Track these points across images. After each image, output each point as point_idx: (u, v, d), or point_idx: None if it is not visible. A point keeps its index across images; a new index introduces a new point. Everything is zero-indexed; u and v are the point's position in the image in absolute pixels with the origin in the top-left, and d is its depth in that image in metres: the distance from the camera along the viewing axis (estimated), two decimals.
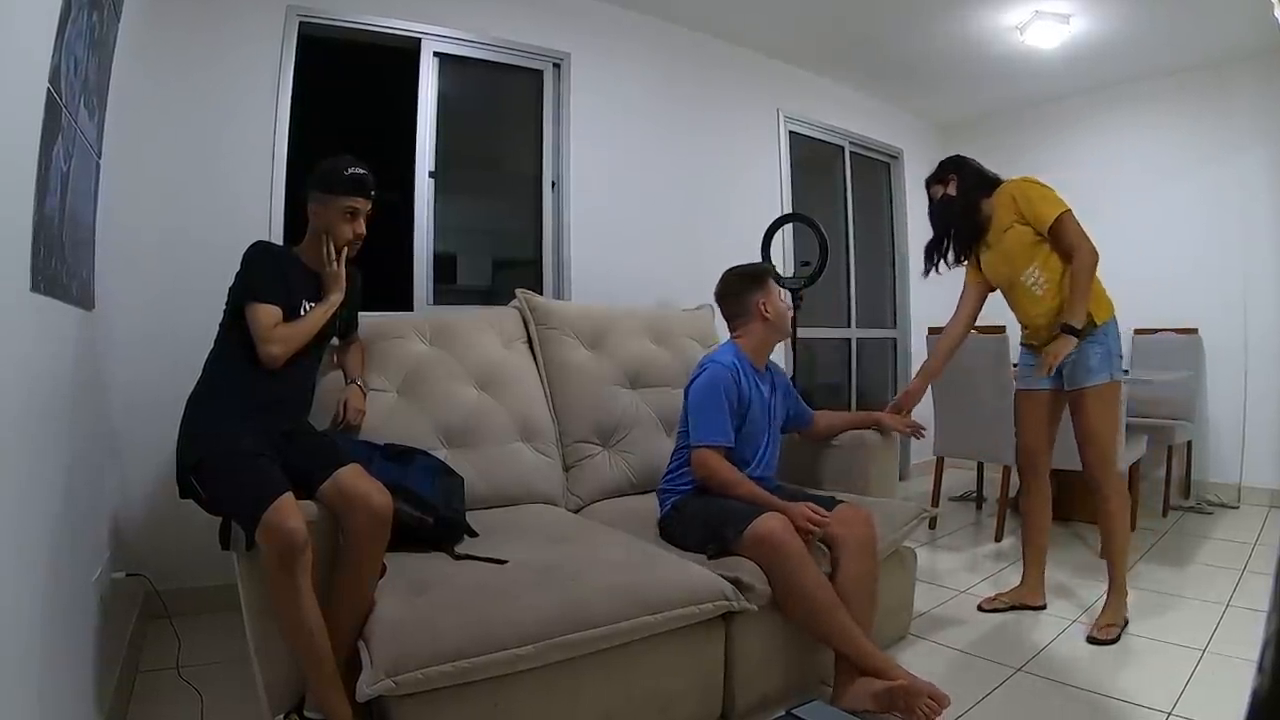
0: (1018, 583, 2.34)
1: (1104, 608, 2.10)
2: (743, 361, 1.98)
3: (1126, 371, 2.08)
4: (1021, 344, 2.33)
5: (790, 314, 2.12)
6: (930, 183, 2.38)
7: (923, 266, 2.42)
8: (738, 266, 2.13)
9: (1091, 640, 2.01)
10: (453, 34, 2.92)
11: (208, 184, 2.37)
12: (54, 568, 1.21)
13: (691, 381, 1.97)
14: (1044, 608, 2.27)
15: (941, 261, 2.38)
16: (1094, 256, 2.04)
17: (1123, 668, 1.87)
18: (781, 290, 2.15)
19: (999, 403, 3.19)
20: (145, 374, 2.14)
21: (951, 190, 2.30)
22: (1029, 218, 2.12)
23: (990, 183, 2.26)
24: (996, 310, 3.74)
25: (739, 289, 2.05)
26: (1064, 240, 2.07)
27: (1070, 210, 2.09)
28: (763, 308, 2.01)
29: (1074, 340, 2.02)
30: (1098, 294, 2.10)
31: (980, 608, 2.28)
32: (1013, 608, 2.27)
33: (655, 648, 1.49)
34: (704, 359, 2.03)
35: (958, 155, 2.36)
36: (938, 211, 2.35)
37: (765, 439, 2.00)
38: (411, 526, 1.59)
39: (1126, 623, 2.08)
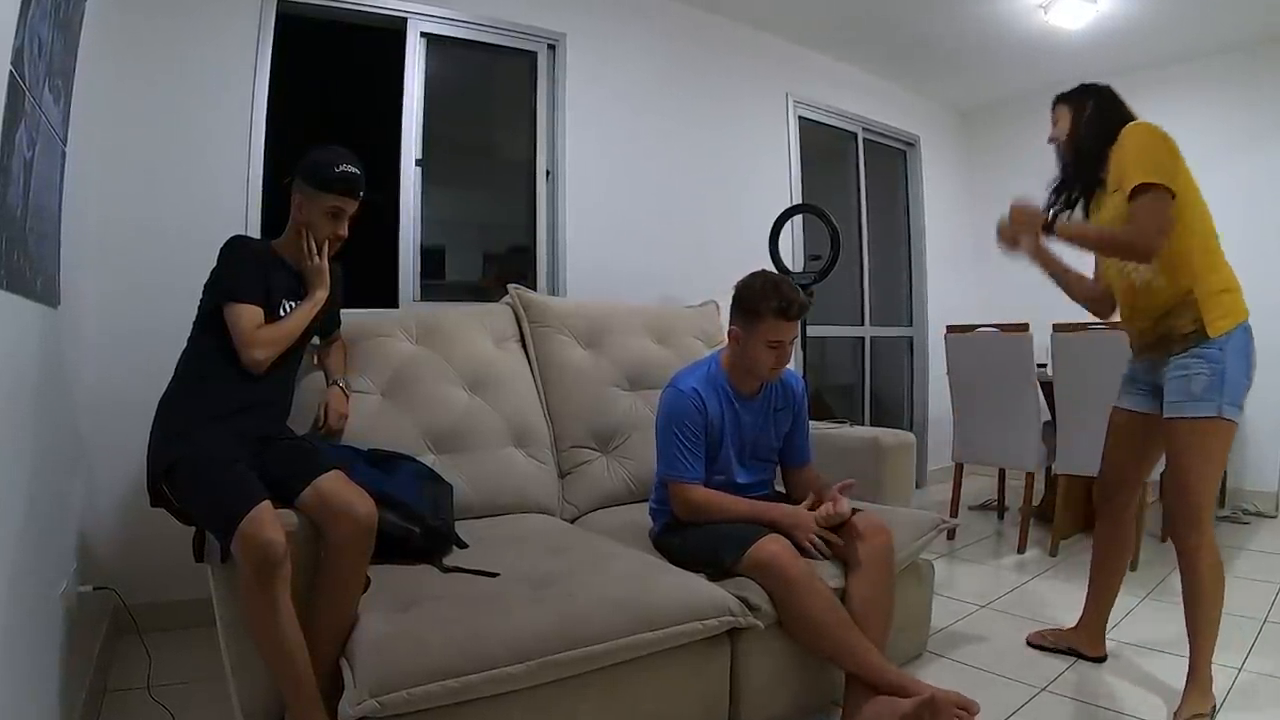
0: (1070, 623, 2.10)
1: (1184, 698, 1.71)
2: (717, 381, 1.89)
3: (1240, 408, 1.69)
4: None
5: (770, 363, 1.83)
6: (1056, 103, 1.99)
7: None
8: (755, 278, 1.86)
9: None
10: (441, 13, 2.92)
11: (181, 172, 2.37)
12: (16, 580, 1.21)
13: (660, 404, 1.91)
14: (1103, 659, 2.01)
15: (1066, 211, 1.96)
16: (1146, 243, 1.65)
17: (1153, 688, 1.87)
18: (784, 339, 1.82)
19: (1021, 405, 3.19)
20: (114, 374, 2.14)
21: (1067, 125, 1.92)
22: (1119, 176, 1.74)
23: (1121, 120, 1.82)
24: (1018, 307, 3.73)
25: (734, 302, 1.87)
26: (1132, 218, 1.67)
27: (1166, 188, 1.64)
28: (734, 336, 1.86)
29: (1035, 227, 1.83)
30: (1222, 292, 1.72)
31: (1029, 642, 2.13)
32: (1066, 650, 2.05)
33: (657, 666, 1.49)
34: (673, 377, 1.94)
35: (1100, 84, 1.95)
36: (1064, 147, 1.95)
37: (746, 460, 1.94)
38: (397, 537, 1.59)
39: (1215, 710, 1.71)
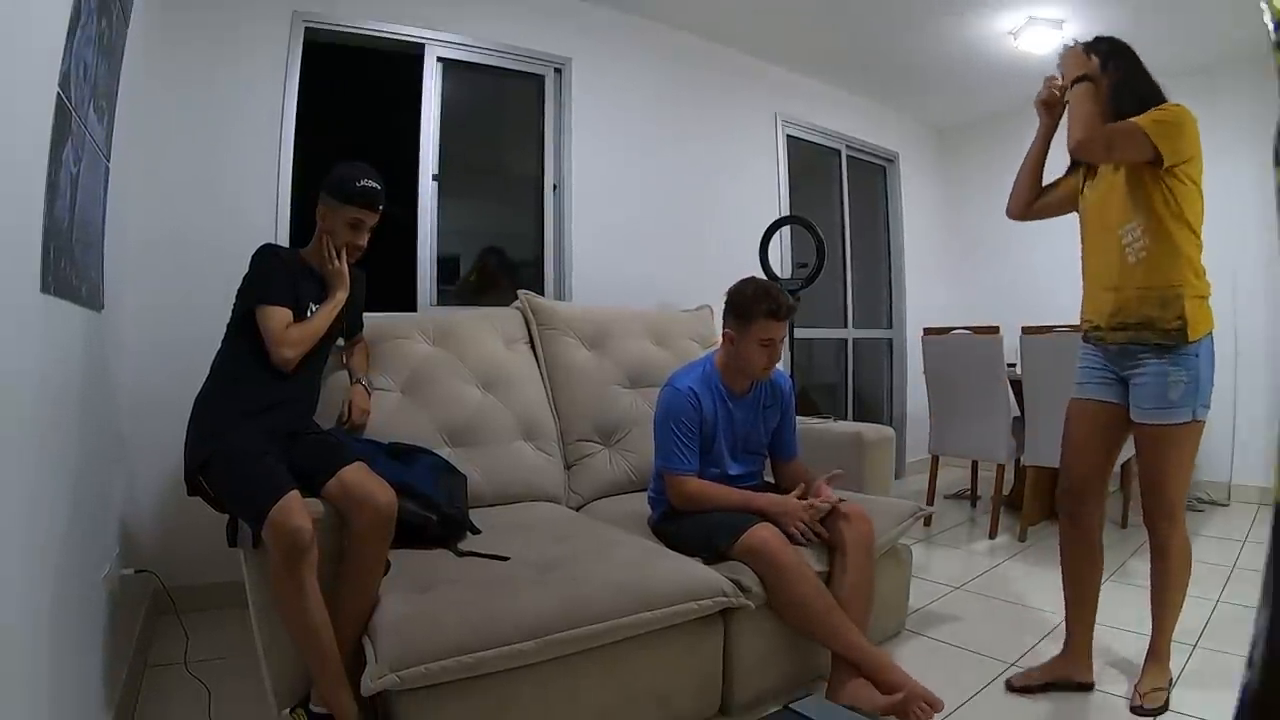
0: (1058, 653, 1.79)
1: (1144, 673, 1.68)
2: (712, 380, 1.89)
3: (1207, 407, 1.62)
4: (1084, 338, 1.79)
5: (763, 361, 1.83)
6: (1066, 54, 1.77)
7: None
8: (746, 284, 1.86)
9: (1136, 710, 1.61)
10: (456, 39, 2.92)
11: (215, 187, 2.37)
12: (63, 565, 1.21)
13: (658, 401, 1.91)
14: (1092, 686, 1.74)
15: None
16: (1098, 143, 1.58)
17: (1114, 664, 1.87)
18: (775, 338, 1.82)
19: (992, 401, 3.19)
20: (154, 374, 2.14)
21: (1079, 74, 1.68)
22: (1162, 150, 1.54)
23: (1150, 98, 1.65)
24: (989, 311, 3.74)
25: (727, 306, 1.88)
26: (1120, 124, 1.57)
27: (1156, 148, 1.52)
28: (728, 338, 1.86)
29: (1087, 88, 1.60)
30: (1204, 299, 1.60)
31: (1010, 685, 1.75)
32: (1050, 685, 1.73)
33: (655, 644, 1.49)
34: (670, 376, 1.95)
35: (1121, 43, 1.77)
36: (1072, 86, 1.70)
37: (738, 454, 1.94)
38: (415, 524, 1.59)
39: (1172, 683, 1.69)
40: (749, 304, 1.81)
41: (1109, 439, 1.76)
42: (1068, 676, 1.75)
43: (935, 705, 1.49)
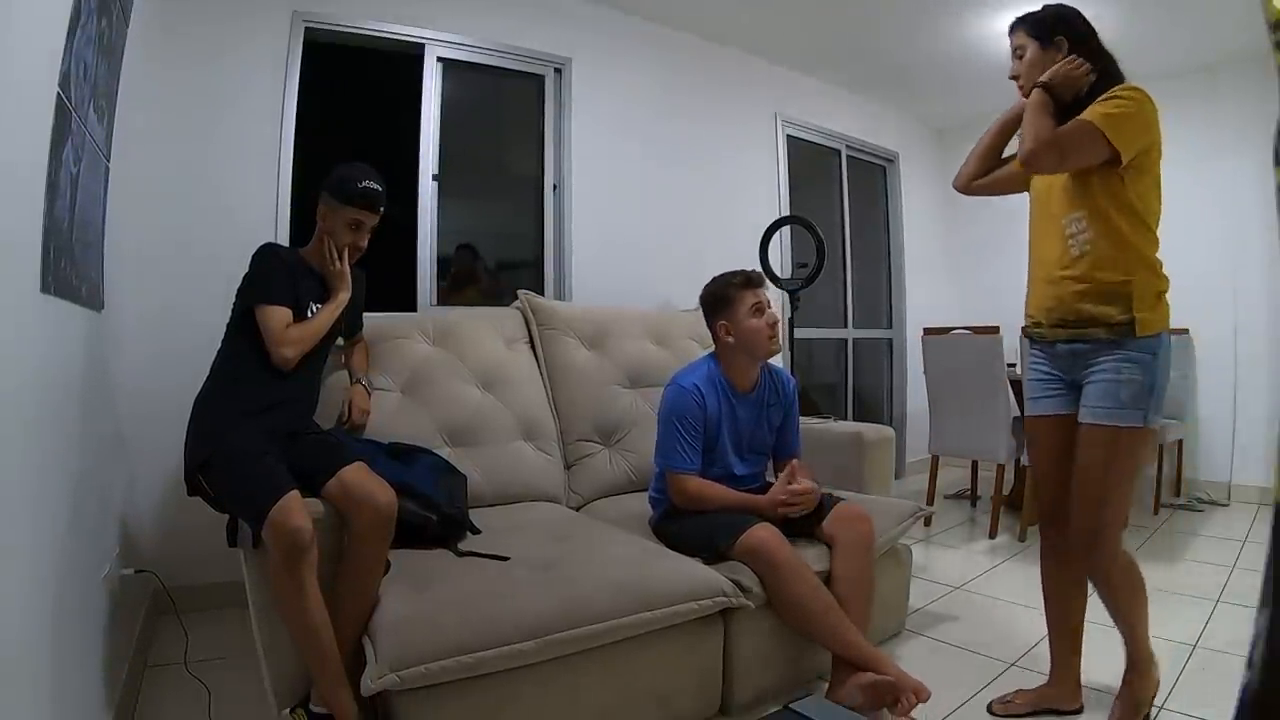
0: (1043, 683, 1.67)
1: (1128, 683, 1.55)
2: (715, 379, 1.89)
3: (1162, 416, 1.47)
4: (1025, 336, 1.66)
5: (765, 329, 1.84)
6: (1014, 29, 1.65)
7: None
8: (711, 281, 1.93)
9: None
10: (456, 39, 2.92)
11: (215, 187, 2.37)
12: (64, 564, 1.21)
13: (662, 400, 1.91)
14: (1080, 711, 1.63)
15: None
16: (1042, 150, 1.41)
17: (1115, 663, 1.87)
18: (760, 300, 1.86)
19: (992, 401, 3.19)
20: (154, 374, 2.14)
21: (1038, 66, 1.54)
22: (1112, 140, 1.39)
23: (1113, 76, 1.50)
24: (989, 310, 3.74)
25: (705, 311, 1.93)
26: (1066, 126, 1.43)
27: (1109, 142, 1.37)
28: (723, 331, 1.87)
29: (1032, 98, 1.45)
30: (1160, 294, 1.47)
31: (991, 710, 1.64)
32: (1035, 713, 1.62)
33: (655, 643, 1.49)
34: (674, 375, 1.94)
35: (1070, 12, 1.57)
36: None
37: (743, 453, 1.94)
38: (415, 524, 1.59)
39: (1157, 688, 1.59)
40: (722, 289, 1.89)
41: (1073, 455, 1.54)
42: (1054, 706, 1.62)
43: (920, 694, 1.49)
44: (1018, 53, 1.61)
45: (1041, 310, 1.57)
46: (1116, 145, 1.38)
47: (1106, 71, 1.50)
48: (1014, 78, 1.63)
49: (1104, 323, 1.46)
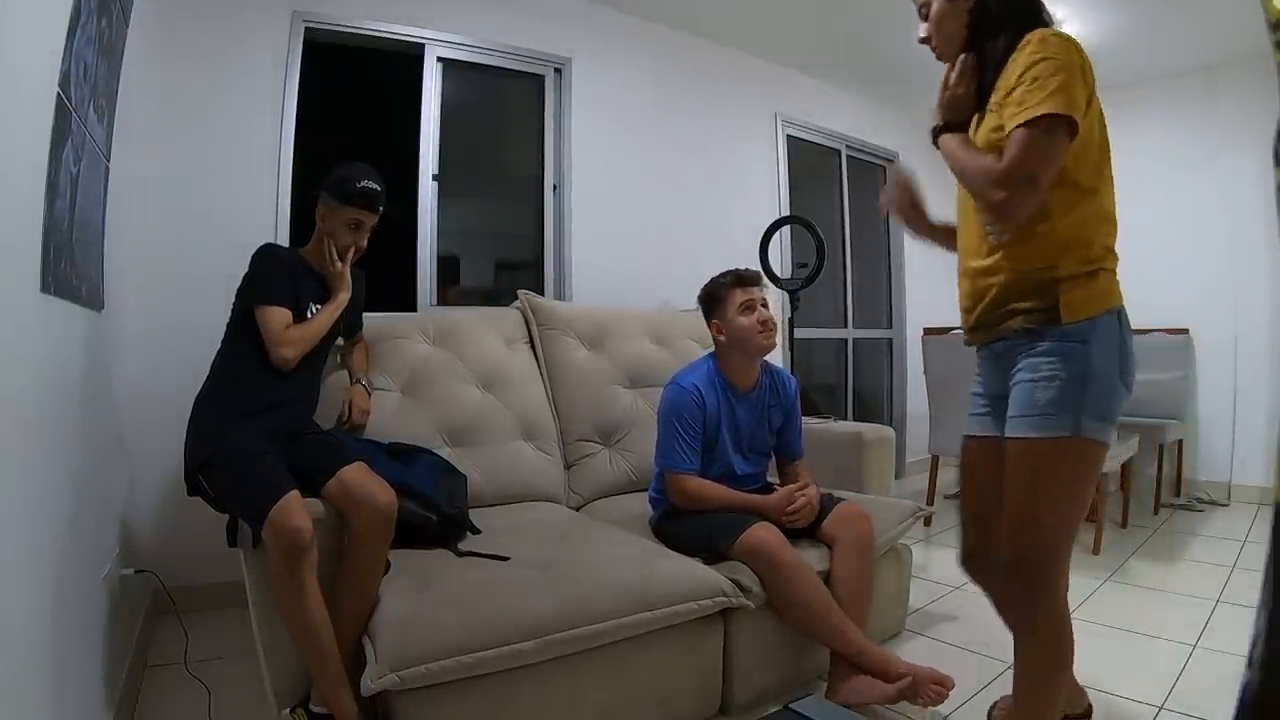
0: None
1: None
2: (715, 379, 1.89)
3: (1112, 423, 1.18)
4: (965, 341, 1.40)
5: (755, 326, 1.83)
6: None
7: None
8: (708, 282, 1.96)
9: None
10: (456, 39, 2.92)
11: (215, 187, 2.37)
12: (63, 564, 1.21)
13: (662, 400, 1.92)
14: (1089, 714, 1.48)
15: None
16: (1002, 190, 1.12)
17: (1115, 663, 1.87)
18: (754, 298, 1.86)
19: None
20: (154, 374, 2.14)
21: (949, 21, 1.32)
22: (1007, 87, 1.17)
23: (1028, 20, 1.24)
24: None
25: (703, 312, 1.96)
26: (1008, 152, 1.13)
27: (1068, 119, 1.11)
28: (716, 330, 1.89)
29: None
30: (1095, 271, 1.18)
31: (991, 716, 1.54)
32: None
33: (655, 644, 1.49)
34: (674, 375, 1.95)
35: None
36: (943, 50, 1.37)
37: (744, 452, 1.94)
38: (415, 524, 1.59)
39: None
40: (714, 289, 1.93)
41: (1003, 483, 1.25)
42: (1064, 710, 1.41)
43: (945, 684, 1.49)
44: (922, 11, 1.37)
45: (961, 311, 1.33)
46: (1078, 118, 1.12)
47: (1018, 12, 1.25)
48: (924, 40, 1.38)
49: (1021, 313, 1.19)
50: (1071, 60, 1.14)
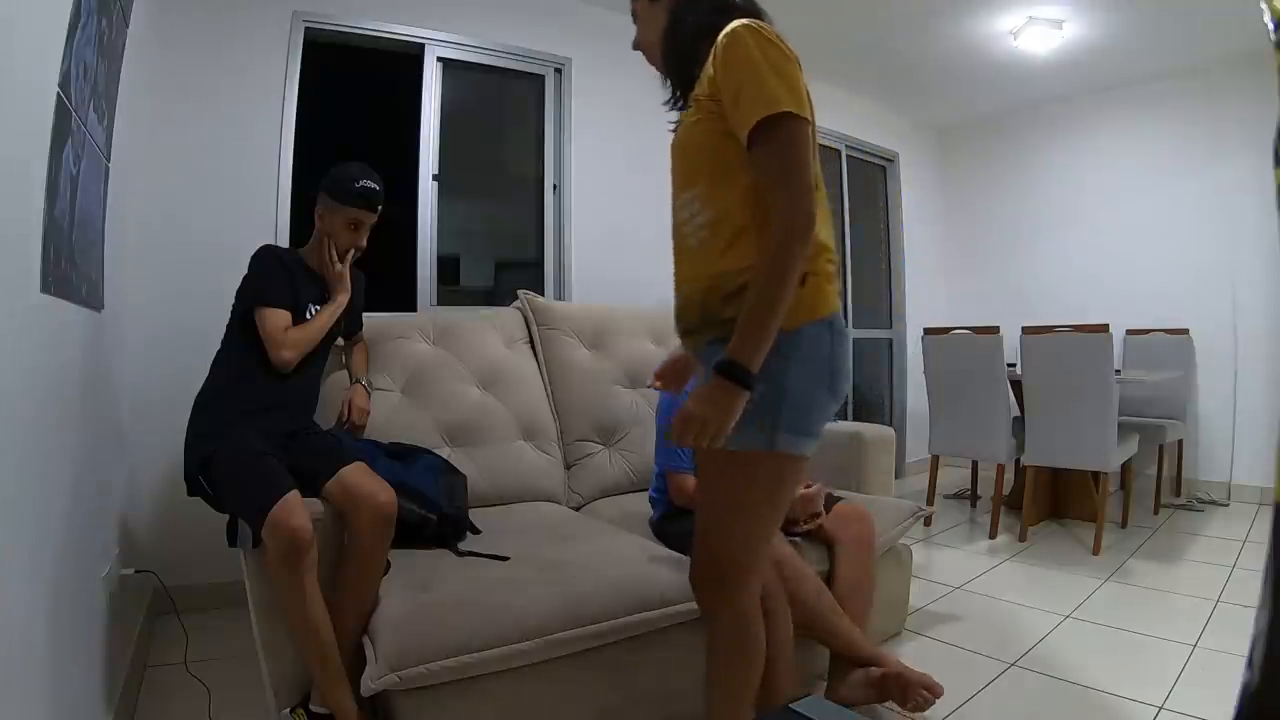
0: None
1: None
2: None
3: (814, 435, 1.15)
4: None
5: None
6: None
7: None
8: None
9: None
10: (456, 39, 2.92)
11: (215, 187, 2.37)
12: (63, 564, 1.21)
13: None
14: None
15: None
16: (808, 222, 1.01)
17: (1115, 663, 1.87)
18: None
19: (992, 401, 3.19)
20: (153, 374, 2.14)
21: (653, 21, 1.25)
22: (723, 97, 1.07)
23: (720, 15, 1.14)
24: (990, 310, 3.73)
25: None
26: (767, 167, 1.04)
27: (802, 117, 1.05)
28: None
29: (735, 397, 1.00)
30: (805, 275, 1.05)
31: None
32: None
33: (655, 644, 1.49)
34: None
35: None
36: (650, 51, 1.32)
37: None
38: (415, 524, 1.59)
39: None
40: None
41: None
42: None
43: (935, 690, 1.49)
44: (634, 18, 1.30)
45: (676, 319, 1.23)
46: (806, 112, 1.06)
47: (719, 6, 1.16)
48: (637, 47, 1.31)
49: (715, 319, 1.10)
50: (777, 49, 1.09)
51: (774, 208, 1.03)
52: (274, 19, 2.49)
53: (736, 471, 1.09)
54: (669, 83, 1.28)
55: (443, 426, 2.07)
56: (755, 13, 1.18)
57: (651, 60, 1.30)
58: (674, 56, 1.24)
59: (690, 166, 1.15)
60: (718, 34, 1.10)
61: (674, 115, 1.29)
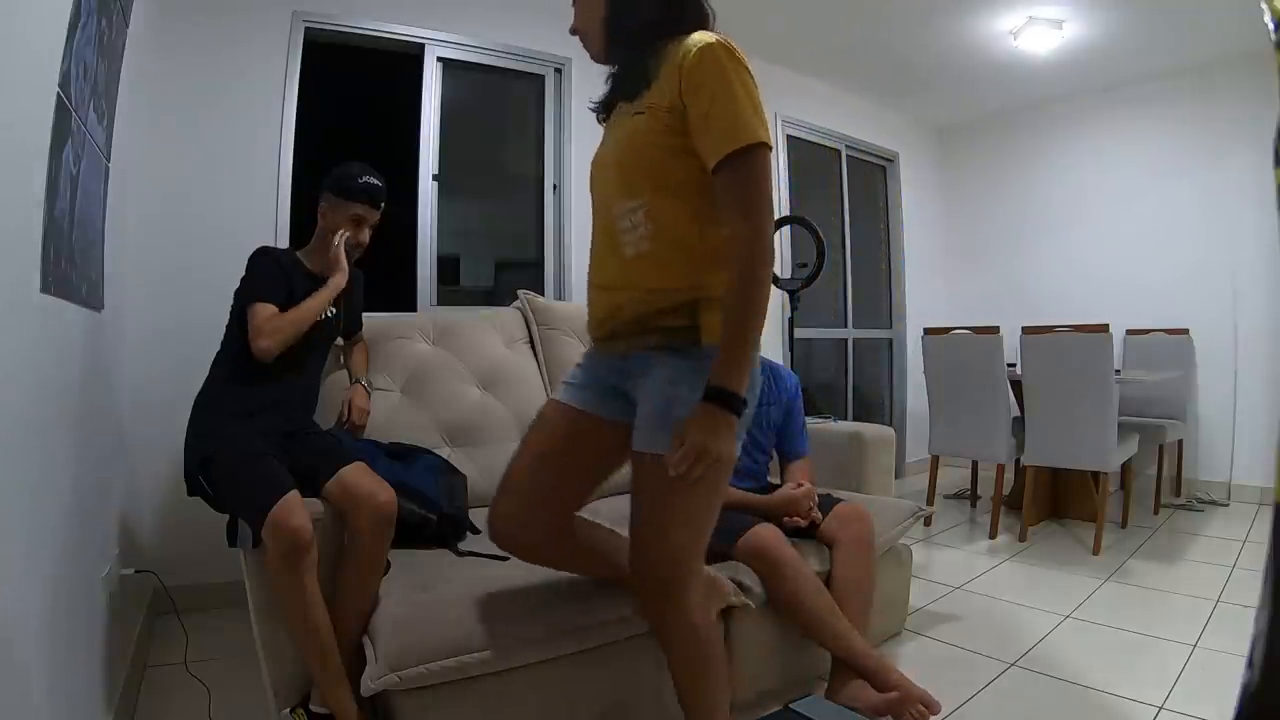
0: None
1: None
2: None
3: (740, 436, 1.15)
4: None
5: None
6: None
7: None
8: None
9: None
10: (456, 39, 2.92)
11: (215, 187, 2.37)
12: (63, 564, 1.21)
13: None
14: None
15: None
16: (770, 250, 1.07)
17: (1115, 663, 1.87)
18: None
19: (992, 401, 3.19)
20: (153, 374, 2.14)
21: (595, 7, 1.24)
22: (690, 114, 1.10)
23: (690, 16, 1.20)
24: (990, 310, 3.73)
25: None
26: (734, 195, 1.08)
27: (769, 145, 1.10)
28: None
29: (731, 422, 1.06)
30: (723, 289, 1.09)
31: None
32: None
33: (655, 643, 1.49)
34: None
35: None
36: (590, 39, 1.30)
37: (743, 449, 1.94)
38: (415, 524, 1.59)
39: None
40: None
41: (580, 458, 1.27)
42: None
43: (932, 708, 1.49)
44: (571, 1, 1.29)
45: (593, 320, 1.26)
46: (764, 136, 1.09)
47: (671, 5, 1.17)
48: (574, 32, 1.30)
49: (660, 326, 1.13)
50: (747, 76, 1.15)
51: (737, 235, 1.07)
52: (274, 19, 2.49)
53: (667, 475, 1.07)
54: (611, 76, 1.28)
55: (443, 426, 2.07)
56: (704, 12, 1.21)
57: (590, 47, 1.28)
58: (622, 47, 1.23)
59: (635, 176, 1.15)
60: (673, 30, 1.13)
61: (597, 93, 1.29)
